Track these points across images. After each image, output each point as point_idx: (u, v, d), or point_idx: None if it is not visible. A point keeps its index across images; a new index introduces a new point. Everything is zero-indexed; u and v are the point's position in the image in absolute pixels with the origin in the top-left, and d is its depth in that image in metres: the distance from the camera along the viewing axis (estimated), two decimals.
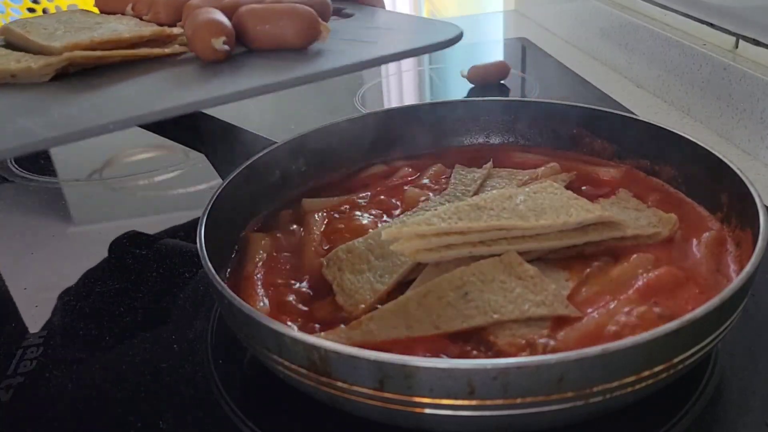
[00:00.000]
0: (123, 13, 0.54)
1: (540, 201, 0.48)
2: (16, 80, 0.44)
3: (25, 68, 0.44)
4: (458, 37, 0.44)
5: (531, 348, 0.40)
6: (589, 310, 0.43)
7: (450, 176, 0.60)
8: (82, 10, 0.56)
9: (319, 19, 0.44)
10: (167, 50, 0.47)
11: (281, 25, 0.44)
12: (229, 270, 0.51)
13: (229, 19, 0.46)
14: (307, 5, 0.46)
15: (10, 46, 0.50)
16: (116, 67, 0.46)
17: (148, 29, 0.49)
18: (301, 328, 0.44)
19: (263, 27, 0.45)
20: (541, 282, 0.43)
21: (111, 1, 0.55)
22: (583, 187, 0.58)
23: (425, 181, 0.61)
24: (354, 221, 0.54)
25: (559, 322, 0.42)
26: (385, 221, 0.54)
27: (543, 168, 0.61)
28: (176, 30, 0.50)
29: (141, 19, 0.53)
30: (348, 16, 0.53)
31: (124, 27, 0.50)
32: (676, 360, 0.36)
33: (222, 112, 0.59)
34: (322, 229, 0.54)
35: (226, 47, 0.44)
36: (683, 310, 0.42)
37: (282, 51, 0.44)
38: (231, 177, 0.54)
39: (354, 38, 0.46)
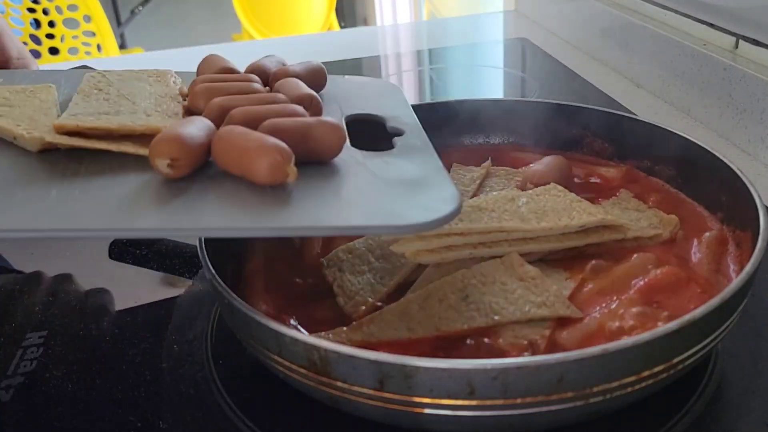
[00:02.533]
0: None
1: (542, 203, 0.48)
2: (17, 143, 0.43)
3: (20, 135, 0.42)
4: (442, 220, 0.36)
5: (533, 348, 0.40)
6: (591, 311, 0.43)
7: None
8: (158, 75, 0.52)
9: (290, 163, 0.37)
10: (141, 151, 0.41)
11: (246, 160, 0.38)
12: (229, 270, 0.50)
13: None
14: (322, 132, 0.41)
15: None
16: (103, 155, 0.42)
17: (147, 123, 0.43)
18: (301, 329, 0.44)
19: (228, 157, 0.38)
20: (542, 283, 0.43)
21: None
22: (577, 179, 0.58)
23: None
24: None
25: (561, 322, 0.42)
26: None
27: (535, 164, 0.61)
28: None
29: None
30: (387, 148, 0.47)
31: (144, 116, 0.45)
32: (676, 360, 0.36)
33: None
34: None
35: (169, 171, 0.38)
36: (685, 309, 0.42)
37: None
38: None
39: (336, 191, 0.40)
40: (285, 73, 0.51)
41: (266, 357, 0.40)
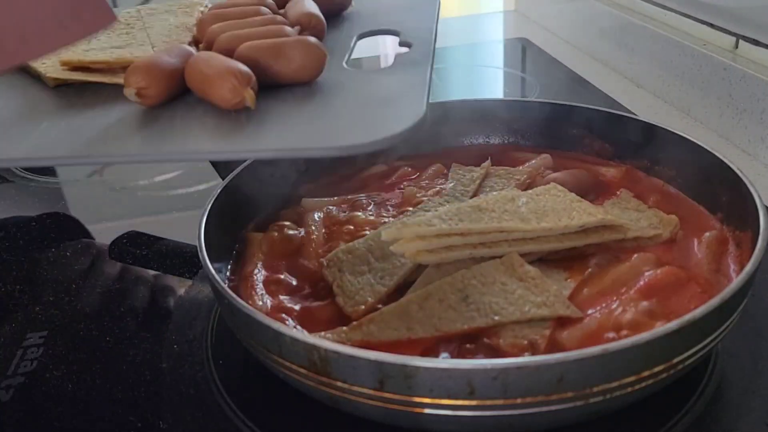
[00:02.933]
0: None
1: (542, 203, 0.48)
2: (42, 79, 0.46)
3: (40, 73, 0.46)
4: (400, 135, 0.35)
5: (533, 348, 0.40)
6: (591, 310, 0.43)
7: (448, 176, 0.60)
8: (188, 6, 0.54)
9: (247, 86, 0.37)
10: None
11: (207, 85, 0.38)
12: (229, 270, 0.51)
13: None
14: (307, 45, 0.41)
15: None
16: (104, 87, 0.44)
17: (141, 55, 0.46)
18: (301, 329, 0.44)
19: (196, 84, 0.39)
20: (542, 283, 0.43)
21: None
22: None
23: (425, 181, 0.61)
24: (354, 221, 0.54)
25: (561, 322, 0.42)
26: (385, 222, 0.54)
27: (535, 161, 0.61)
28: None
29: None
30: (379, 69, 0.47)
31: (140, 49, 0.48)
32: (676, 360, 0.36)
33: None
34: (321, 229, 0.54)
35: (138, 99, 0.39)
36: (685, 309, 0.42)
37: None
38: (231, 177, 0.54)
39: (297, 113, 0.39)
40: None
41: (266, 357, 0.40)
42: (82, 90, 0.44)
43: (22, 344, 0.52)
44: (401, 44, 0.49)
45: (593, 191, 0.56)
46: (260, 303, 0.47)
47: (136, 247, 0.64)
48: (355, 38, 0.50)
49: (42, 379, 0.49)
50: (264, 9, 0.48)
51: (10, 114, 0.43)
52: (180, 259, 0.62)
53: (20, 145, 0.38)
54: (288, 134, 0.37)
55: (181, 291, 0.58)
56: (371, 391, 0.36)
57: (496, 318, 0.41)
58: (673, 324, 0.35)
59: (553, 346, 0.41)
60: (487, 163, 0.60)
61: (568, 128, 0.64)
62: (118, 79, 0.43)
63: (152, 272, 0.61)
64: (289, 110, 0.39)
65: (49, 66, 0.46)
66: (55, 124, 0.40)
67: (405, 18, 0.53)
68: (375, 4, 0.57)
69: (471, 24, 1.41)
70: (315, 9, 0.48)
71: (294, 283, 0.49)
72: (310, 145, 0.36)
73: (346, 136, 0.36)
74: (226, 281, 0.49)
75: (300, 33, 0.45)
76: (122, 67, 0.45)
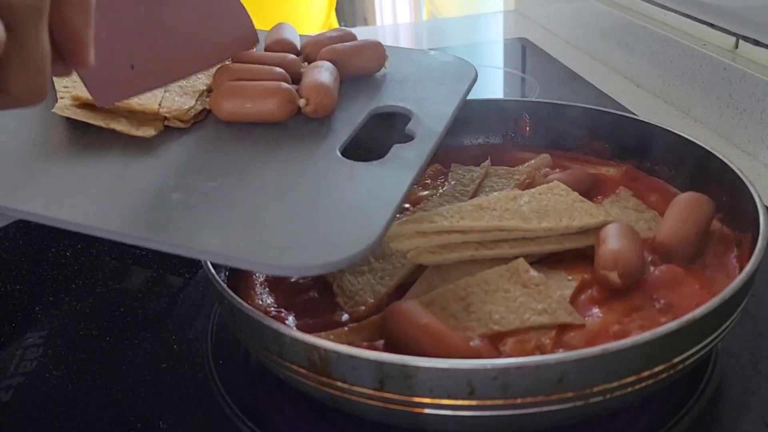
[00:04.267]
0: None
1: (544, 203, 0.48)
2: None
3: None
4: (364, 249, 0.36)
5: (540, 350, 0.40)
6: (594, 310, 0.43)
7: (447, 176, 0.60)
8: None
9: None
10: (139, 133, 0.45)
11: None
12: (229, 270, 0.50)
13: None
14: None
15: None
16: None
17: (145, 104, 0.47)
18: (301, 329, 0.44)
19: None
20: (545, 289, 0.43)
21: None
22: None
23: (425, 180, 0.61)
24: None
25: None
26: None
27: (535, 160, 0.61)
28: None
29: None
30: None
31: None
32: (676, 360, 0.36)
33: None
34: None
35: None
36: (686, 308, 0.42)
37: None
38: None
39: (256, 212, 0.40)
40: (328, 54, 0.52)
41: (266, 357, 0.40)
42: (83, 127, 0.46)
43: (22, 344, 0.52)
44: (406, 131, 0.49)
45: (593, 191, 0.56)
46: (260, 303, 0.47)
47: (136, 247, 0.64)
48: (365, 115, 0.50)
49: (42, 379, 0.49)
50: (278, 70, 0.49)
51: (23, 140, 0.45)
52: (180, 259, 0.62)
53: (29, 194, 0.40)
54: (233, 236, 0.39)
55: (181, 291, 0.58)
56: (371, 391, 0.36)
57: (496, 328, 0.41)
58: (673, 324, 0.35)
59: (560, 348, 0.40)
60: (487, 163, 0.60)
61: (567, 128, 0.64)
62: (116, 125, 0.45)
63: (152, 272, 0.61)
64: (258, 202, 0.40)
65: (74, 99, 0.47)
66: (52, 169, 0.43)
67: (428, 95, 0.52)
68: (410, 69, 0.56)
69: (471, 24, 1.41)
70: (326, 79, 0.48)
71: (294, 282, 0.49)
72: (242, 256, 0.37)
73: (279, 254, 0.36)
74: (226, 281, 0.49)
75: (306, 106, 0.47)
76: (127, 111, 0.46)
